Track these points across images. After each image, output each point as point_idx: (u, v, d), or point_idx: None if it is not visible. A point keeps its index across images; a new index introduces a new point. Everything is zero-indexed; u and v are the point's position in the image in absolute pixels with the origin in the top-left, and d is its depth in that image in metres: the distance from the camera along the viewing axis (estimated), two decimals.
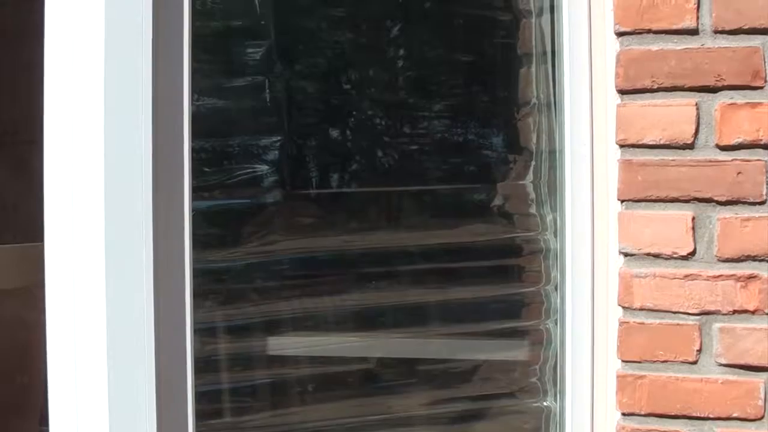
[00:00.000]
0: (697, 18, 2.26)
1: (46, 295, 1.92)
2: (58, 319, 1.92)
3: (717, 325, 2.26)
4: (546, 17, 2.54)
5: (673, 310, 2.28)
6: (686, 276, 2.28)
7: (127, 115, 1.89)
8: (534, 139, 2.63)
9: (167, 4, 1.92)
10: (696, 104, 2.27)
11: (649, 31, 2.29)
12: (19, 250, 4.05)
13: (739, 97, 2.26)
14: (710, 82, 2.26)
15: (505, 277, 2.75)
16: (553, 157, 2.51)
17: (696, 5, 2.26)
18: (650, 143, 2.29)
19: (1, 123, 5.41)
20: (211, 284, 2.40)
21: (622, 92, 2.32)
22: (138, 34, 1.89)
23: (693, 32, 2.27)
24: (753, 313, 2.25)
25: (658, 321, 2.29)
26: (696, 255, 2.27)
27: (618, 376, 2.32)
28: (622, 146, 2.32)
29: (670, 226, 2.29)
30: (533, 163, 2.63)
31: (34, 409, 3.90)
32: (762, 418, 2.24)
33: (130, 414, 1.91)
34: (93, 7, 1.89)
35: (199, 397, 2.00)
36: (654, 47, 2.29)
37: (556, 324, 2.49)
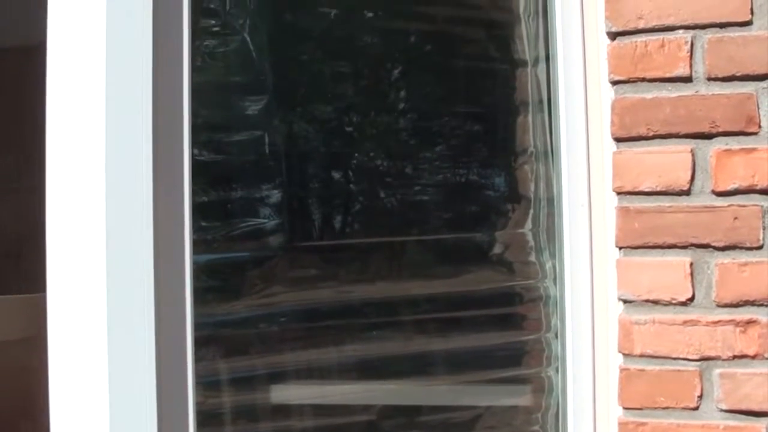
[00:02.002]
0: (691, 65, 2.28)
1: (49, 343, 1.93)
2: (60, 370, 1.93)
3: (717, 371, 2.27)
4: (542, 66, 2.56)
5: (673, 356, 2.29)
6: (685, 322, 2.28)
7: (127, 166, 1.90)
8: (532, 187, 2.64)
9: (166, 47, 1.94)
10: (691, 151, 2.29)
11: (643, 80, 2.31)
12: (23, 301, 4.07)
13: (733, 143, 2.27)
14: (705, 128, 2.28)
15: (505, 325, 2.76)
16: (551, 204, 2.52)
17: (689, 53, 2.28)
18: (647, 190, 2.31)
19: (4, 171, 5.44)
20: (213, 337, 2.41)
21: (617, 140, 2.34)
22: (137, 84, 1.91)
23: (687, 80, 2.29)
24: (753, 357, 2.26)
25: (658, 367, 2.30)
26: (695, 301, 2.28)
27: (620, 424, 2.32)
28: (618, 193, 2.33)
29: (668, 272, 2.30)
30: (532, 211, 2.64)
31: None
32: None
33: None
34: (94, 33, 1.91)
35: None
36: (648, 95, 2.31)
37: (557, 371, 2.50)
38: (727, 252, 2.27)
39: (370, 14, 2.83)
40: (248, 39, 2.50)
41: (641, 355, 2.31)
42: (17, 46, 4.83)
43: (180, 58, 1.97)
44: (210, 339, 2.33)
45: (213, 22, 2.42)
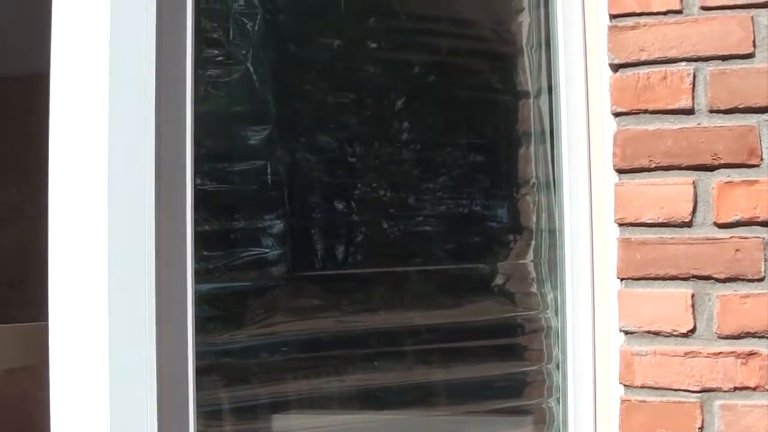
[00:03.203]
0: (693, 98, 2.29)
1: (51, 373, 1.92)
2: (61, 399, 1.93)
3: (718, 402, 2.27)
4: (544, 98, 2.57)
5: (674, 387, 2.29)
6: (686, 353, 2.28)
7: (130, 196, 1.90)
8: (534, 219, 2.65)
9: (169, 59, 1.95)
10: (693, 183, 2.29)
11: (645, 111, 2.32)
12: (26, 329, 4.06)
13: (735, 175, 2.28)
14: (707, 160, 2.29)
15: (507, 356, 2.75)
16: (553, 235, 2.52)
17: (691, 85, 2.29)
18: (648, 222, 2.31)
19: (7, 199, 5.44)
20: (214, 366, 2.41)
21: (619, 171, 2.34)
22: (141, 101, 1.92)
23: (689, 112, 2.30)
24: (754, 389, 2.25)
25: (659, 399, 2.30)
26: (696, 332, 2.28)
27: None
28: (620, 225, 2.34)
29: (669, 303, 2.30)
30: (533, 241, 2.64)
31: None
32: None
33: None
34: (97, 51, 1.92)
35: None
36: (651, 127, 2.32)
37: (558, 402, 2.50)
38: (728, 284, 2.28)
39: (373, 45, 2.84)
40: (251, 69, 2.51)
41: (642, 386, 2.31)
42: (21, 75, 4.84)
43: (183, 88, 1.98)
44: (211, 367, 2.33)
45: (216, 51, 2.43)
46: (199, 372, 2.00)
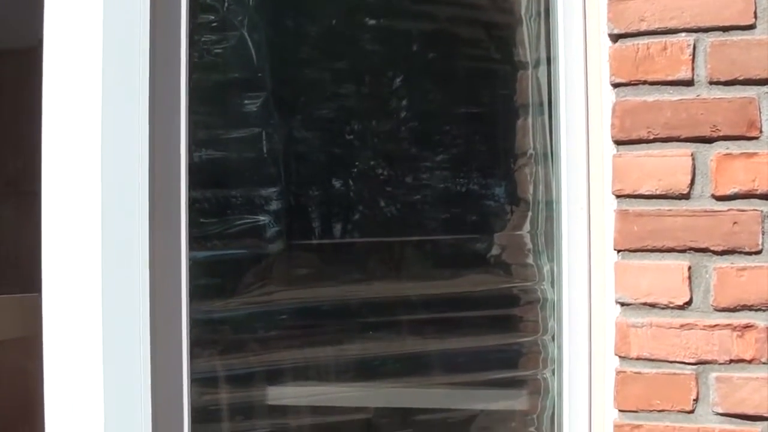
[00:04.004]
0: (693, 69, 2.28)
1: (44, 345, 1.92)
2: (55, 371, 1.92)
3: (714, 375, 2.26)
4: (543, 69, 2.56)
5: (670, 359, 2.28)
6: (683, 325, 2.28)
7: (123, 166, 1.89)
8: (531, 190, 2.64)
9: (164, 36, 1.94)
10: (692, 155, 2.28)
11: (644, 82, 2.31)
12: (19, 300, 4.06)
13: (734, 147, 2.27)
14: (706, 132, 2.27)
15: (502, 327, 2.75)
16: (550, 207, 2.51)
17: (691, 56, 2.28)
18: (646, 193, 2.30)
19: (3, 175, 5.43)
20: (208, 334, 2.40)
21: (617, 143, 2.33)
22: (135, 82, 1.91)
23: (688, 83, 2.28)
24: (750, 362, 2.25)
25: (654, 370, 2.29)
26: (692, 305, 2.28)
27: (615, 426, 2.32)
28: (618, 196, 2.33)
29: (666, 275, 2.29)
30: (530, 213, 2.63)
31: None
32: None
33: None
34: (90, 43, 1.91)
35: None
36: (650, 98, 2.30)
37: (554, 374, 2.49)
38: (725, 256, 2.27)
39: (370, 14, 2.83)
40: (247, 36, 2.50)
41: (638, 358, 2.30)
42: (17, 48, 4.83)
43: (178, 54, 1.97)
44: (205, 335, 2.32)
45: (212, 17, 2.42)
46: (193, 340, 2.00)
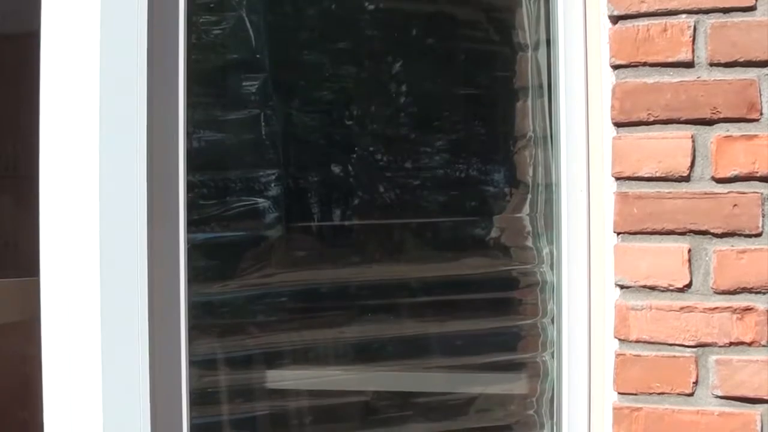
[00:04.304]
0: (693, 51, 2.27)
1: (42, 328, 1.92)
2: (53, 354, 1.92)
3: (713, 357, 2.26)
4: (542, 50, 2.55)
5: (669, 342, 2.28)
6: (682, 308, 2.27)
7: (121, 151, 1.89)
8: (530, 172, 2.63)
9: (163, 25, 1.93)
10: (692, 137, 2.27)
11: (644, 64, 2.30)
12: (18, 285, 4.05)
13: (734, 129, 2.26)
14: (706, 114, 2.27)
15: (502, 310, 2.75)
16: (550, 190, 2.51)
17: (691, 38, 2.27)
18: (646, 176, 2.30)
19: (2, 159, 5.42)
20: (206, 316, 2.40)
21: (617, 125, 2.32)
22: (132, 64, 1.90)
23: (689, 65, 2.28)
24: (749, 344, 2.24)
25: (654, 353, 2.29)
26: (692, 287, 2.27)
27: (614, 409, 2.32)
28: (617, 179, 2.32)
29: (666, 258, 2.29)
30: (530, 196, 2.63)
31: None
32: None
33: None
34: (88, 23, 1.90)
35: (194, 429, 1.99)
36: (650, 80, 2.30)
37: (553, 357, 2.49)
38: (725, 239, 2.26)
39: None
40: (245, 18, 2.49)
41: (637, 341, 2.30)
42: (14, 33, 4.82)
43: (176, 38, 1.96)
44: (203, 317, 2.32)
45: None
46: (191, 323, 1.99)
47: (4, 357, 4.19)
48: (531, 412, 2.60)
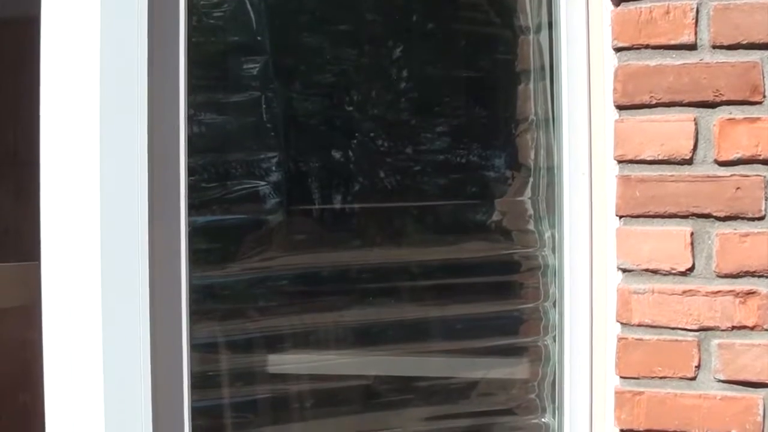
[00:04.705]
0: (696, 33, 2.26)
1: (43, 314, 1.91)
2: (54, 339, 1.92)
3: (715, 341, 2.25)
4: (544, 33, 2.54)
5: (672, 326, 2.27)
6: (685, 292, 2.27)
7: (122, 134, 1.89)
8: (532, 156, 2.62)
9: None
10: (694, 119, 2.26)
11: (647, 47, 2.29)
12: (18, 269, 4.05)
13: (737, 112, 2.25)
14: (709, 97, 2.26)
15: (503, 294, 2.74)
16: (551, 173, 2.50)
17: (694, 20, 2.26)
18: (648, 159, 2.29)
19: (1, 146, 5.42)
20: (207, 299, 2.40)
21: (620, 108, 2.31)
22: (134, 43, 1.89)
23: (691, 47, 2.27)
24: (752, 329, 2.24)
25: (656, 337, 2.28)
26: (695, 271, 2.27)
27: (616, 393, 2.31)
28: (620, 162, 2.31)
29: (668, 241, 2.28)
30: (531, 179, 2.62)
31: (35, 428, 3.89)
32: None
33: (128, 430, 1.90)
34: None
35: (194, 412, 1.99)
36: (652, 62, 2.29)
37: (555, 340, 2.49)
38: (728, 222, 2.26)
39: None
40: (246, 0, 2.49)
41: (639, 325, 2.29)
42: (15, 18, 4.81)
43: (177, 17, 1.96)
44: (203, 301, 2.32)
45: None
46: (192, 306, 1.99)
47: (5, 342, 4.20)
48: (532, 396, 2.59)
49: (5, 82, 5.12)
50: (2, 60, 5.17)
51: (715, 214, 2.26)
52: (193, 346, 2.00)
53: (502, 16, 2.80)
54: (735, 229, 2.25)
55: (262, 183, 2.59)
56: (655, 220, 2.29)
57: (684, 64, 2.27)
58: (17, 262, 4.20)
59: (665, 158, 2.28)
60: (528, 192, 2.64)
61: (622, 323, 2.31)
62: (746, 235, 2.24)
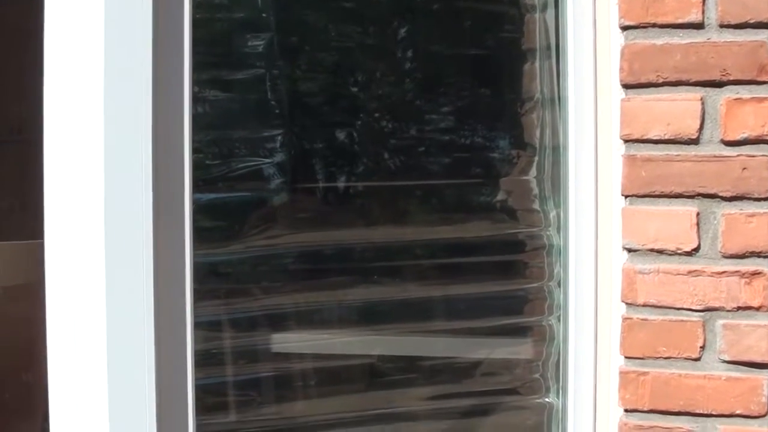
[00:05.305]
0: (703, 12, 2.25)
1: (46, 293, 1.91)
2: (58, 317, 1.91)
3: (721, 322, 2.25)
4: (550, 12, 2.53)
5: (677, 306, 2.27)
6: (690, 272, 2.26)
7: (126, 112, 1.88)
8: (538, 135, 2.62)
9: None
10: (701, 99, 2.25)
11: (654, 25, 2.28)
12: (23, 247, 4.06)
13: (744, 91, 2.24)
14: (716, 76, 2.25)
15: (508, 274, 2.74)
16: (557, 152, 2.50)
17: None
18: (654, 138, 2.28)
19: (6, 122, 5.41)
20: (211, 277, 2.40)
21: (626, 87, 2.30)
22: (138, 20, 1.89)
23: (698, 26, 2.25)
24: (757, 309, 2.23)
25: (661, 317, 2.28)
26: (700, 251, 2.26)
27: (621, 373, 2.31)
28: (626, 141, 2.30)
29: (674, 221, 2.27)
30: (537, 158, 2.62)
31: (38, 407, 3.90)
32: (765, 415, 2.23)
33: (131, 410, 1.90)
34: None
35: (198, 390, 1.99)
36: (659, 41, 2.27)
37: (559, 320, 2.48)
38: (734, 202, 2.25)
39: None
40: None
41: (644, 305, 2.29)
42: None
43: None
44: (207, 278, 2.32)
45: None
46: (196, 284, 1.99)
47: (11, 319, 4.20)
48: (537, 375, 2.59)
49: (9, 60, 5.11)
50: (6, 37, 5.17)
51: (721, 194, 2.25)
52: (197, 324, 1.99)
53: None
54: (741, 210, 2.24)
55: (267, 161, 2.59)
56: (661, 199, 2.28)
57: (691, 43, 2.26)
58: (23, 240, 4.20)
59: (671, 138, 2.27)
60: (533, 171, 2.63)
61: (627, 303, 2.30)
62: (752, 215, 2.24)
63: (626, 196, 2.31)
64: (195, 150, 1.97)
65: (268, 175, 2.61)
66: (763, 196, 2.23)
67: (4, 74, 5.21)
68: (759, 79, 2.23)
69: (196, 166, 2.00)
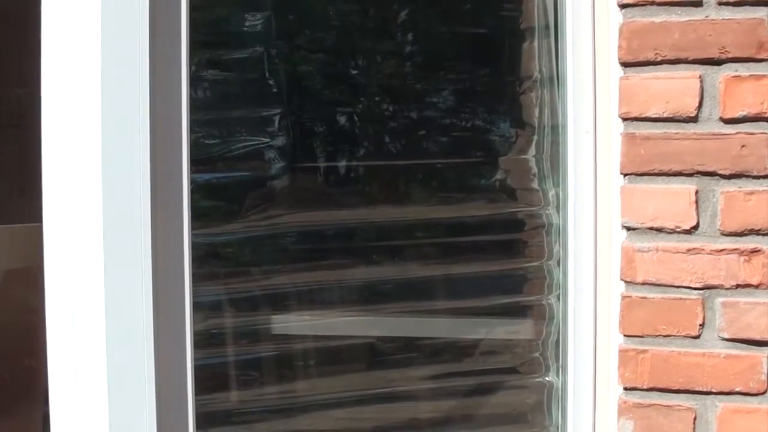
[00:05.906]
0: None
1: (45, 275, 1.91)
2: (56, 300, 1.91)
3: (720, 300, 2.25)
4: None
5: (676, 284, 2.26)
6: (689, 250, 2.26)
7: (124, 94, 1.88)
8: (536, 114, 2.61)
9: None
10: (700, 77, 2.25)
11: (652, 3, 2.27)
12: (23, 230, 4.05)
13: (743, 69, 2.24)
14: (714, 54, 2.24)
15: (507, 253, 2.74)
16: (556, 131, 2.49)
17: None
18: (653, 116, 2.27)
19: (7, 106, 5.41)
20: (210, 257, 2.40)
21: (625, 65, 2.30)
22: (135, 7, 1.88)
23: (697, 4, 2.25)
24: (756, 287, 2.23)
25: (660, 295, 2.28)
26: (699, 229, 2.26)
27: (620, 351, 2.31)
28: (624, 120, 2.30)
29: (673, 199, 2.27)
30: (535, 137, 2.61)
31: (39, 390, 3.90)
32: (764, 392, 2.23)
33: (130, 390, 1.90)
34: None
35: (197, 370, 1.99)
36: (657, 19, 2.27)
37: (559, 299, 2.48)
38: (733, 180, 2.25)
39: None
40: None
41: (643, 283, 2.28)
42: None
43: None
44: (205, 259, 2.31)
45: None
46: (195, 264, 1.99)
47: (11, 302, 4.20)
48: (536, 354, 2.59)
49: (11, 43, 5.11)
50: (5, 22, 5.16)
51: (720, 172, 2.24)
52: (196, 304, 1.99)
53: None
54: (740, 187, 2.24)
55: (265, 141, 2.59)
56: (660, 178, 2.28)
57: (690, 20, 2.25)
58: (22, 223, 4.20)
59: (670, 116, 2.27)
60: (532, 150, 2.63)
61: (626, 281, 2.30)
62: (751, 193, 2.24)
63: (625, 175, 2.31)
64: (193, 130, 1.97)
65: (266, 155, 2.61)
66: (762, 173, 2.23)
67: (3, 59, 5.20)
68: (758, 56, 2.23)
69: (194, 146, 1.99)
